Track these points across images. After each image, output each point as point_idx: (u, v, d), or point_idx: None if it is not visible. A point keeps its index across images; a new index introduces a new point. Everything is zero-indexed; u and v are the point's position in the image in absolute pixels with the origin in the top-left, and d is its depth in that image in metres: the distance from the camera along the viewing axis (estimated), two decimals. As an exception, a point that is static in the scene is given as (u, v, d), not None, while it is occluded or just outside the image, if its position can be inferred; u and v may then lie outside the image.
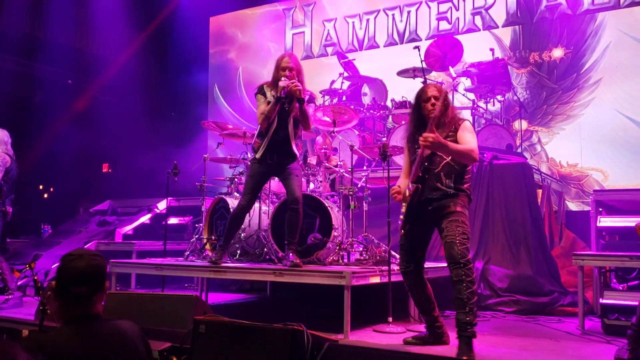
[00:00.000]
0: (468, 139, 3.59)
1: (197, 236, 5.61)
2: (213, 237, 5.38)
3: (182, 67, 10.65)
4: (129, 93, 10.23)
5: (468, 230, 3.55)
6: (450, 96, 7.12)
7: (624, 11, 7.52)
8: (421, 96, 3.76)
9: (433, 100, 3.68)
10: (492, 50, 7.60)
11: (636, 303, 3.51)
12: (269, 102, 4.51)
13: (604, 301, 4.41)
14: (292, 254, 4.47)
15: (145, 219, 8.22)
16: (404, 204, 3.68)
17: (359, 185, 5.41)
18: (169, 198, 7.13)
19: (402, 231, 3.66)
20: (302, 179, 4.81)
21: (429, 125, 3.52)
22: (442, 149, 3.51)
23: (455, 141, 3.59)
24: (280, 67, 4.54)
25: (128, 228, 7.99)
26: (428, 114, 3.68)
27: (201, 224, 5.63)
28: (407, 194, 3.63)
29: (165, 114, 10.81)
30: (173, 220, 7.59)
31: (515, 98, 7.78)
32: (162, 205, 8.00)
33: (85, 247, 7.40)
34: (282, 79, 4.44)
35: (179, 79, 10.72)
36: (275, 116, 4.51)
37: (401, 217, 3.71)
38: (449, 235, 3.50)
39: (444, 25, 8.72)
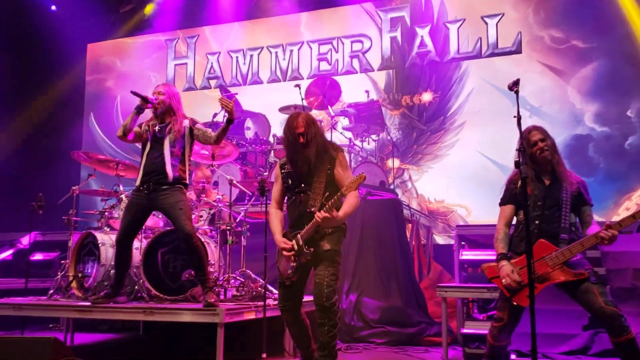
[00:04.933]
0: (348, 176, 3.65)
1: (62, 273, 5.28)
2: (79, 275, 5.09)
3: (56, 93, 10.11)
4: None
5: (339, 270, 3.63)
6: (327, 132, 7.37)
7: (485, 61, 8.25)
8: (290, 127, 3.70)
9: (298, 135, 3.65)
10: (367, 92, 8.00)
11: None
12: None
13: (465, 331, 4.69)
14: (209, 292, 4.26)
15: (6, 254, 7.60)
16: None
17: (238, 219, 5.40)
18: (34, 232, 6.67)
19: (290, 272, 3.63)
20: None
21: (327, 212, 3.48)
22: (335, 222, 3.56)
23: (333, 177, 3.65)
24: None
25: (-13, 264, 7.36)
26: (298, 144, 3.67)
27: (67, 260, 5.31)
28: (295, 245, 3.60)
29: (35, 143, 10.14)
30: (38, 256, 7.08)
31: (388, 138, 8.20)
32: (26, 240, 7.44)
33: None
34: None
35: (51, 105, 10.13)
36: (148, 137, 4.46)
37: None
38: (318, 275, 3.57)
39: (324, 66, 9.06)
